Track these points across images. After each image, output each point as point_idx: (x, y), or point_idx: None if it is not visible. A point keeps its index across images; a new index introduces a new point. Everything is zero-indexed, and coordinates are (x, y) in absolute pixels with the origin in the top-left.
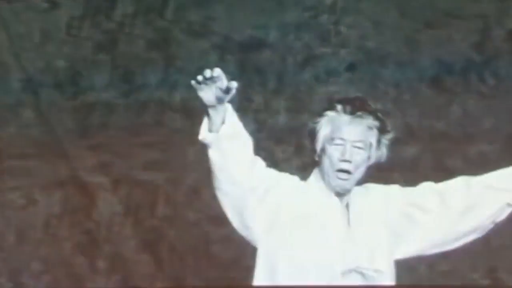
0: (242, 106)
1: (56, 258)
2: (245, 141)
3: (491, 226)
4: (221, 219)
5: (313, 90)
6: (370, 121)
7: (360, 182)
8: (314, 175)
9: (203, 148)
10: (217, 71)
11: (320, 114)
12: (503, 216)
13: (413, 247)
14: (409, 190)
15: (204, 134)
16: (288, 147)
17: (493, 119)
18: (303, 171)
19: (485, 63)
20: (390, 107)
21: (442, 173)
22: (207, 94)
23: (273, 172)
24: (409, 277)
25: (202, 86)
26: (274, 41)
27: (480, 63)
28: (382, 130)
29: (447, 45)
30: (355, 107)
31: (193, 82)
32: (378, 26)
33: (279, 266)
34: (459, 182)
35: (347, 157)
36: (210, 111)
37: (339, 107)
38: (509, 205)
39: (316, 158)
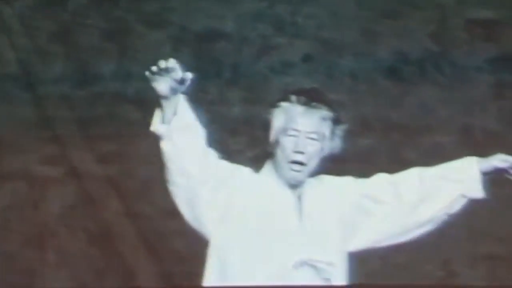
0: (197, 97)
1: (5, 252)
2: (197, 132)
3: (445, 217)
4: (174, 213)
5: (268, 81)
6: (324, 112)
7: (313, 174)
8: (267, 167)
9: (157, 140)
10: (172, 62)
11: (275, 105)
12: (457, 207)
13: (367, 239)
14: (362, 181)
15: (156, 125)
16: (242, 139)
17: (449, 110)
18: (257, 163)
19: (442, 53)
20: (346, 98)
21: (397, 164)
22: (161, 85)
23: (225, 164)
24: (362, 270)
25: (157, 77)
26: (230, 31)
27: (437, 53)
28: (336, 121)
29: (404, 35)
30: (310, 98)
31: (147, 73)
32: (335, 16)
33: (230, 259)
34: (413, 174)
35: (300, 148)
36: (163, 102)
37: (293, 98)
38: (463, 196)
39: (270, 150)
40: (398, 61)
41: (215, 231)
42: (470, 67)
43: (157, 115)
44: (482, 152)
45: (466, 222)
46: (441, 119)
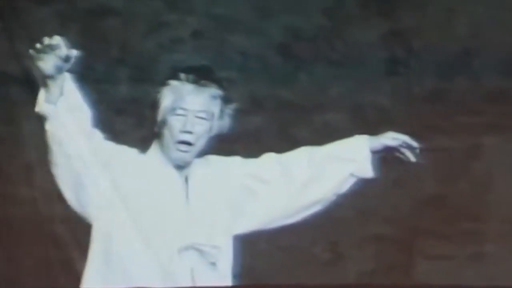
0: (83, 76)
1: None
2: (83, 113)
3: (334, 198)
4: (58, 196)
5: (157, 59)
6: (213, 90)
7: (201, 154)
8: (154, 148)
9: (42, 121)
10: (56, 39)
11: (163, 84)
12: (346, 187)
13: (254, 221)
14: (250, 161)
15: (41, 105)
16: (129, 119)
17: (341, 87)
18: (144, 144)
19: (336, 29)
20: (237, 75)
21: (287, 143)
22: (46, 63)
23: (111, 145)
24: (248, 253)
25: (41, 55)
26: (119, 7)
27: (330, 29)
28: (226, 100)
29: (297, 11)
30: (199, 75)
31: (31, 51)
32: None
33: (114, 243)
34: (302, 153)
35: (188, 128)
36: (49, 81)
37: (182, 76)
38: (352, 175)
39: (157, 130)
40: (290, 37)
41: (99, 214)
42: (363, 43)
43: (42, 95)
44: (374, 130)
45: (354, 202)
46: (333, 97)
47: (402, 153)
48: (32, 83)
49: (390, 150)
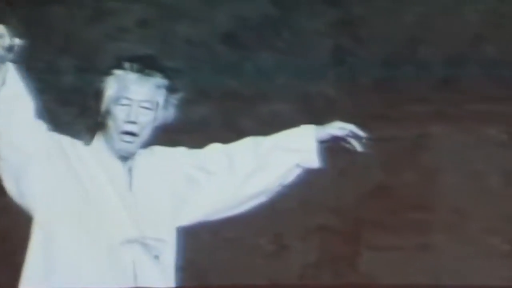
0: (26, 65)
1: None
2: (26, 103)
3: (279, 188)
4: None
5: (102, 48)
6: (158, 79)
7: (145, 145)
8: (98, 139)
9: None
10: (0, 28)
11: (107, 73)
12: (291, 177)
13: (198, 213)
14: (195, 152)
15: None
16: (73, 109)
17: (287, 76)
18: (88, 134)
19: (282, 18)
20: (182, 64)
21: (233, 133)
22: None
23: (55, 136)
24: (192, 245)
25: None
26: None
27: (277, 17)
28: (171, 89)
29: (243, 0)
30: (144, 65)
31: None
32: None
33: (56, 236)
34: (248, 143)
35: (132, 118)
36: None
37: (126, 65)
38: (298, 166)
39: (101, 120)
40: (236, 26)
41: (41, 206)
42: (310, 31)
43: None
44: (320, 119)
45: (300, 193)
46: (279, 86)
47: (349, 143)
48: None
49: (337, 140)
